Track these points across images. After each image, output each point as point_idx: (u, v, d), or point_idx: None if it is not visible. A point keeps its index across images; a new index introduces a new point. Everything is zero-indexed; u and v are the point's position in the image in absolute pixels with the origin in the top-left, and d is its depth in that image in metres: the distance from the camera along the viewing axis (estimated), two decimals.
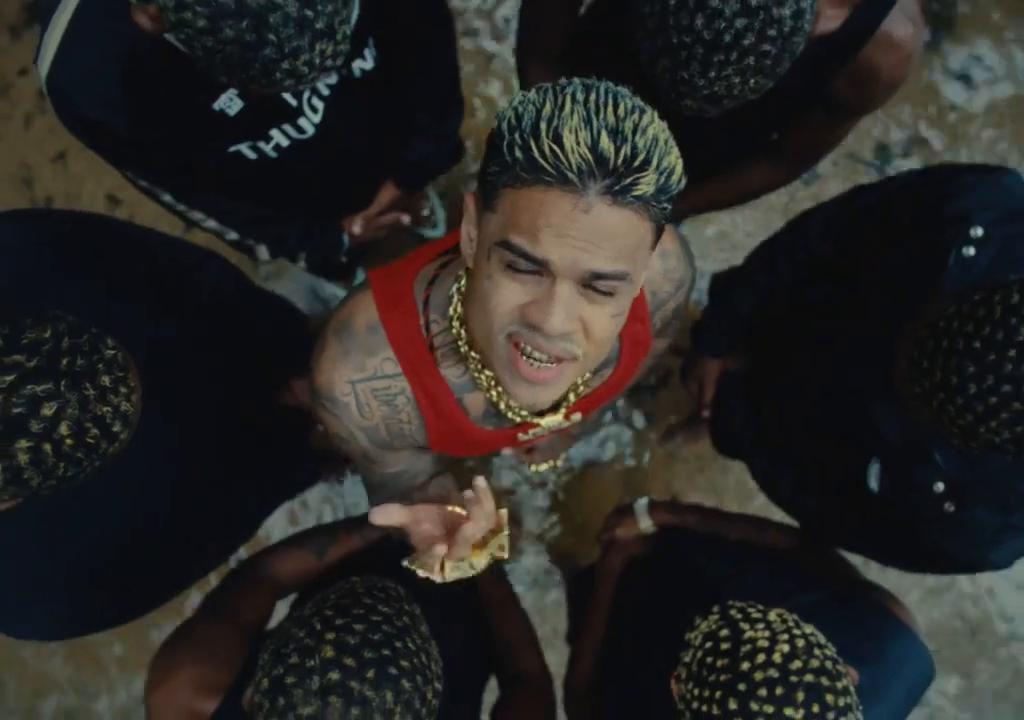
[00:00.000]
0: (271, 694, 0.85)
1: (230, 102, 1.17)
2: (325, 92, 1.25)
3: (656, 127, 0.78)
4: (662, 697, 1.09)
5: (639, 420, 2.61)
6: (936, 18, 2.80)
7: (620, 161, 0.74)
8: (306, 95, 1.23)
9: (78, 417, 0.81)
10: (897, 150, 2.71)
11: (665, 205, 0.80)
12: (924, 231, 1.22)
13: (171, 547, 1.22)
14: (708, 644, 0.98)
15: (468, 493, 0.90)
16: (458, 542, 0.89)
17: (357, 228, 1.62)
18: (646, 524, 1.63)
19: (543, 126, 0.75)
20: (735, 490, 2.58)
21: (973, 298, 0.98)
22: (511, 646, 1.41)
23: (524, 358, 0.83)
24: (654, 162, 0.76)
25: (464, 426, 1.05)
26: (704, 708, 0.94)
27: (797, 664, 0.92)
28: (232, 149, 1.27)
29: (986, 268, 1.14)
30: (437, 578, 0.91)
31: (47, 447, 0.80)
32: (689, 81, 1.02)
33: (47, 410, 0.79)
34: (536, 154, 0.75)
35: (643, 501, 1.65)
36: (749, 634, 0.96)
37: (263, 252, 1.57)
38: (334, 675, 0.83)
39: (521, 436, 1.13)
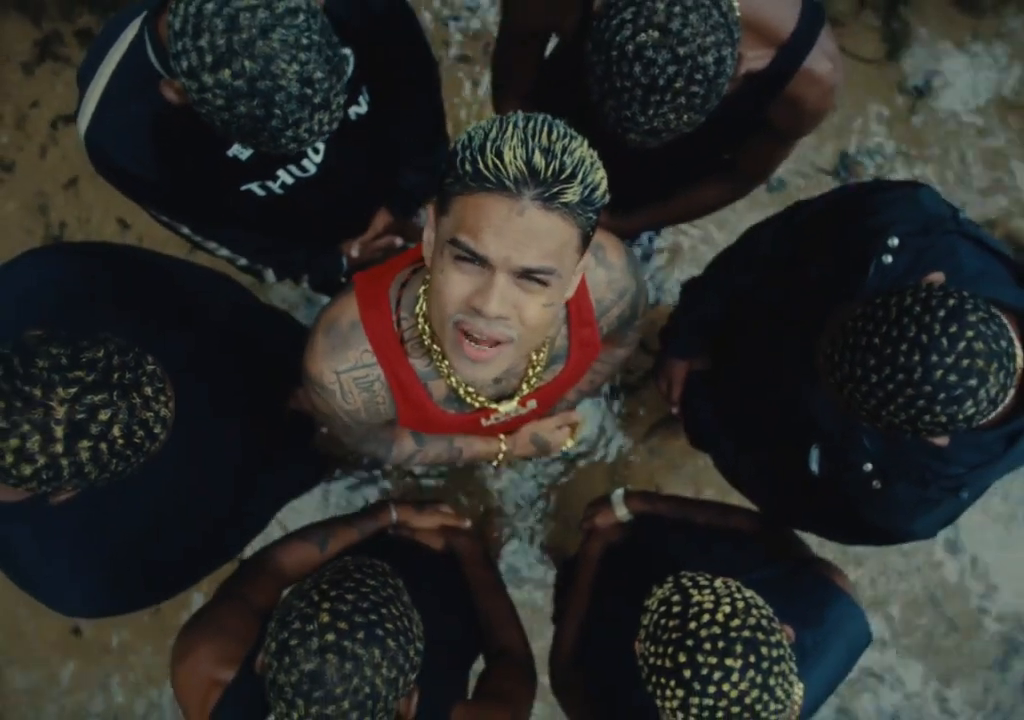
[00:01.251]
0: (278, 655, 1.00)
1: (242, 149, 1.33)
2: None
3: (583, 150, 0.93)
4: (634, 665, 1.26)
5: (622, 419, 2.76)
6: (894, 35, 2.98)
7: (550, 173, 0.90)
8: None
9: (127, 421, 0.96)
10: (856, 160, 2.88)
11: (591, 215, 0.96)
12: (850, 242, 1.34)
13: (196, 536, 1.38)
14: (662, 608, 1.13)
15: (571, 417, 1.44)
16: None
17: (355, 252, 1.78)
18: (622, 512, 1.78)
19: (488, 145, 0.91)
20: (715, 483, 2.73)
21: (875, 301, 1.10)
22: (495, 624, 1.57)
23: (468, 341, 0.99)
24: (579, 177, 0.91)
25: (428, 408, 1.23)
26: (659, 662, 1.09)
27: (736, 622, 1.08)
28: (243, 188, 1.42)
29: (902, 274, 1.26)
30: (571, 442, 1.44)
31: (103, 446, 0.95)
32: (632, 119, 1.18)
33: (103, 416, 0.94)
34: (481, 166, 0.91)
35: (619, 492, 1.80)
36: (696, 598, 1.11)
37: (270, 275, 1.73)
38: (330, 637, 0.98)
39: (484, 421, 1.30)
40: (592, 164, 0.94)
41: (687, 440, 1.97)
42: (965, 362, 1.00)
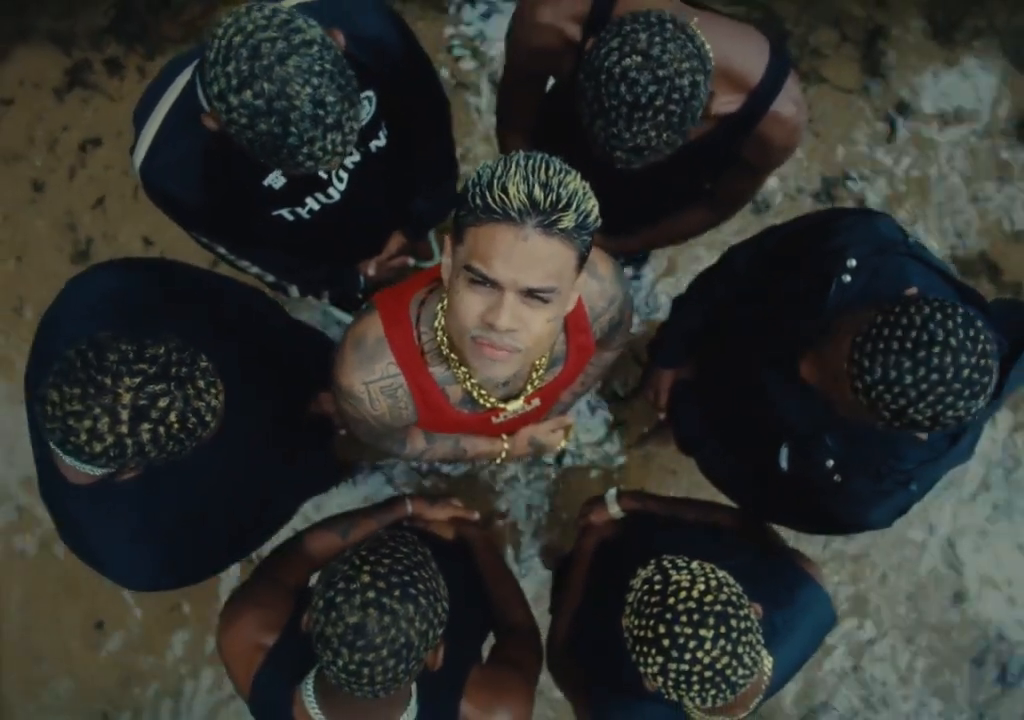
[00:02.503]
0: (325, 610, 1.13)
1: (276, 178, 1.50)
2: (350, 166, 1.57)
3: (576, 182, 1.07)
4: (619, 648, 1.40)
5: (616, 427, 2.89)
6: (873, 66, 3.15)
7: (548, 204, 1.03)
8: (335, 170, 1.55)
9: (182, 409, 1.10)
10: (838, 183, 3.03)
11: (585, 238, 1.10)
12: (814, 262, 1.47)
13: (234, 523, 1.54)
14: (645, 586, 1.26)
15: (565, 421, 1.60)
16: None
17: (372, 270, 1.93)
18: (615, 510, 1.91)
19: (495, 181, 1.05)
20: (705, 487, 2.86)
21: (893, 310, 1.19)
22: (504, 604, 1.71)
23: (482, 346, 1.14)
24: (574, 205, 1.05)
25: (446, 409, 1.38)
26: (642, 633, 1.23)
27: (710, 597, 1.21)
28: (275, 213, 1.58)
29: (859, 292, 1.38)
30: (565, 442, 1.60)
31: (161, 429, 1.08)
32: (618, 135, 1.33)
33: (162, 403, 1.08)
34: (489, 200, 1.04)
35: (612, 491, 1.94)
36: (675, 578, 1.25)
37: (294, 291, 1.89)
38: (370, 594, 1.12)
39: (494, 419, 1.46)
40: (584, 194, 1.08)
41: (676, 445, 2.12)
42: (984, 361, 1.14)
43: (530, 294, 1.09)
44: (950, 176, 3.06)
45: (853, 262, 1.40)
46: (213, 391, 1.15)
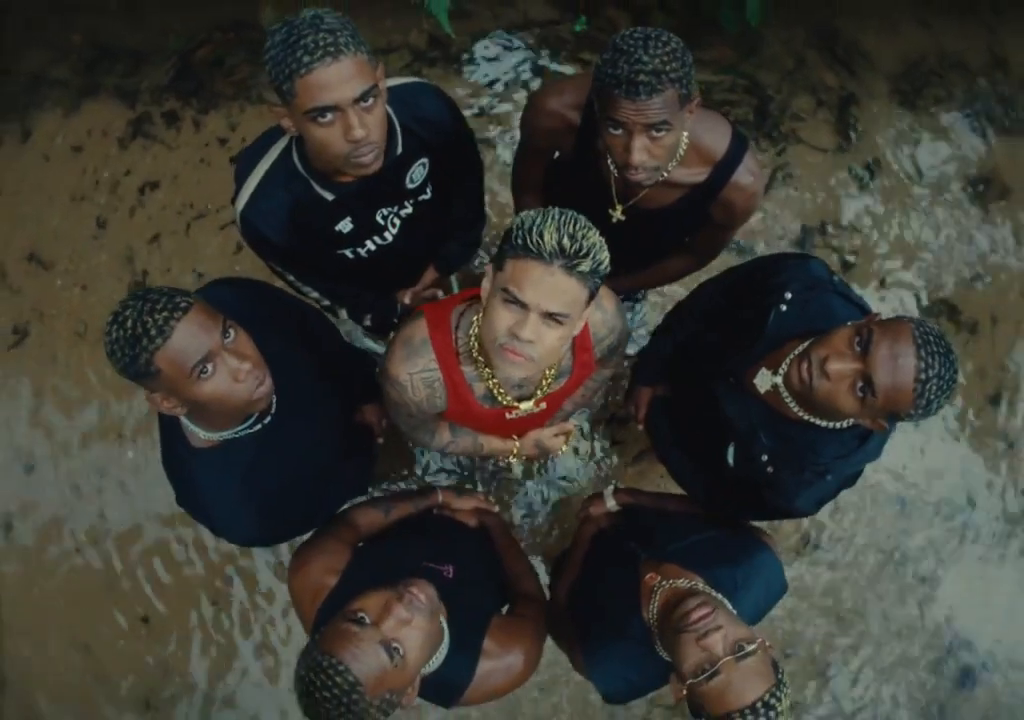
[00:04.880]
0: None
1: (346, 225, 1.82)
2: (403, 216, 1.89)
3: (596, 238, 1.33)
4: (607, 606, 1.67)
5: (614, 447, 3.18)
6: (846, 128, 3.50)
7: (572, 251, 1.29)
8: (391, 218, 1.87)
9: (136, 318, 1.27)
10: (815, 231, 3.38)
11: (597, 280, 1.36)
12: (757, 296, 1.70)
13: (312, 496, 1.81)
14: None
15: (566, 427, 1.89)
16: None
17: (407, 299, 2.26)
18: (611, 503, 2.21)
19: (534, 228, 1.30)
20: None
21: (925, 330, 1.42)
22: (517, 576, 2.01)
23: (507, 352, 1.41)
24: (592, 255, 1.31)
25: (471, 401, 1.69)
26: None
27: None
28: (340, 252, 1.90)
29: (794, 319, 1.62)
30: (565, 447, 1.85)
31: (122, 332, 1.28)
32: (640, 59, 1.48)
33: (127, 313, 1.29)
34: (529, 242, 1.30)
35: (610, 487, 2.23)
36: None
37: (343, 314, 2.23)
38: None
39: (508, 415, 1.76)
40: (601, 247, 1.34)
41: (654, 454, 2.37)
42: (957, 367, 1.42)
43: (549, 316, 1.35)
44: (915, 226, 3.41)
45: (789, 295, 1.66)
46: (164, 314, 1.29)
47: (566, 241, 1.30)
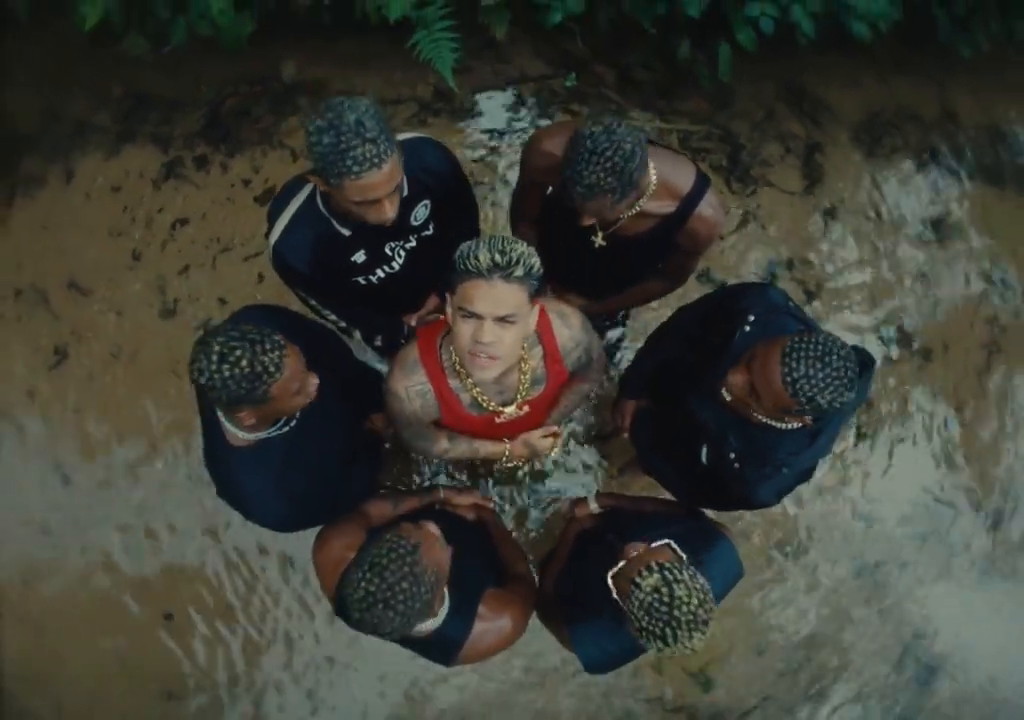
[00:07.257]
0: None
1: (361, 256, 2.12)
2: (408, 248, 2.20)
3: (522, 247, 1.57)
4: (589, 592, 1.89)
5: (602, 460, 3.37)
6: (811, 172, 3.81)
7: (504, 262, 1.54)
8: (397, 250, 2.18)
9: (251, 359, 1.51)
10: (782, 265, 3.66)
11: (534, 282, 1.59)
12: (724, 320, 1.92)
13: (334, 490, 2.06)
14: (655, 595, 1.61)
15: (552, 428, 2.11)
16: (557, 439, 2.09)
17: (413, 322, 2.55)
18: (594, 506, 2.47)
19: (470, 254, 1.56)
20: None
21: (803, 337, 1.60)
22: (510, 560, 2.28)
23: (477, 358, 1.67)
24: (521, 261, 1.56)
25: (460, 409, 1.96)
26: (651, 628, 1.61)
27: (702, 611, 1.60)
28: (355, 280, 2.20)
29: (756, 337, 1.82)
30: (556, 450, 2.11)
31: (236, 371, 1.51)
32: (579, 173, 1.76)
33: (237, 353, 1.51)
34: (469, 265, 1.57)
35: (593, 491, 2.54)
36: (678, 593, 1.60)
37: (357, 334, 2.55)
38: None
39: (497, 420, 2.01)
40: (529, 254, 1.58)
41: (638, 462, 2.64)
42: (855, 368, 1.60)
43: (501, 319, 1.60)
44: (874, 262, 3.71)
45: (752, 318, 1.90)
46: (276, 353, 1.54)
47: (497, 256, 1.57)
